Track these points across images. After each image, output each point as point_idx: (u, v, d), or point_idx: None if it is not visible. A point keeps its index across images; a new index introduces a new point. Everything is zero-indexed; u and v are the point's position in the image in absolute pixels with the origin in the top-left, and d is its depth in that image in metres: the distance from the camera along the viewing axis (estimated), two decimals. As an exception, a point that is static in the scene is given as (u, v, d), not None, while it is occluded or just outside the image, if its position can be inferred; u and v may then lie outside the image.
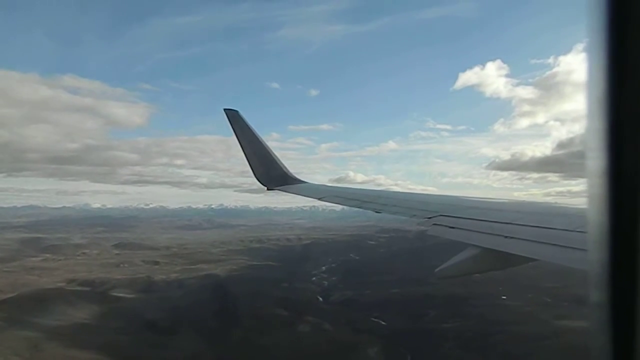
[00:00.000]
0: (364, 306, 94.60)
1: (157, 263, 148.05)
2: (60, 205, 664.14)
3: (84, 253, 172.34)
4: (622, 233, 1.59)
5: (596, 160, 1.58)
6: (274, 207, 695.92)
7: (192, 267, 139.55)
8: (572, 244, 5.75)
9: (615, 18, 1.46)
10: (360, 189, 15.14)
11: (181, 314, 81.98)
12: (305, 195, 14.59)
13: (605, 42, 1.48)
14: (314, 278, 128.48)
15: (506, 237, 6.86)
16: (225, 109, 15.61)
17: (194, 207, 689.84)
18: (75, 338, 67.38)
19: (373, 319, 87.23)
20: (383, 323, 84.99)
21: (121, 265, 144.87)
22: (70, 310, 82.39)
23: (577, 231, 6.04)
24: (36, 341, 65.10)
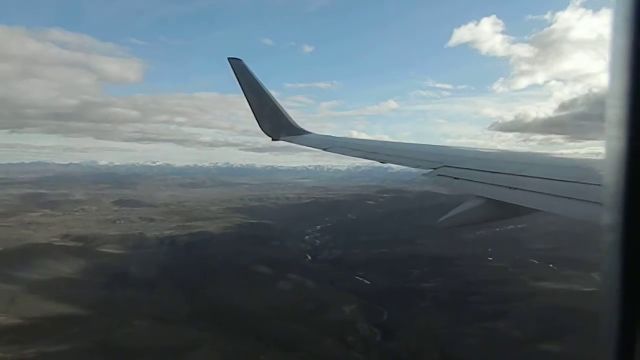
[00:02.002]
0: (350, 265, 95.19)
1: (152, 220, 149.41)
2: (67, 162, 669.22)
3: (83, 209, 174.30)
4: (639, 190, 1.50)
5: (617, 110, 1.50)
6: (280, 167, 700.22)
7: (187, 224, 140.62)
8: (578, 195, 5.63)
9: None
10: (367, 140, 15.56)
11: (165, 271, 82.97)
12: (311, 146, 14.25)
13: None
14: (307, 237, 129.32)
15: (511, 188, 6.75)
16: (229, 59, 15.08)
17: (200, 165, 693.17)
18: (54, 292, 68.47)
19: (358, 278, 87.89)
20: (367, 282, 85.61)
21: (117, 222, 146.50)
22: (55, 265, 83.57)
23: (584, 183, 5.90)
24: (15, 294, 66.14)
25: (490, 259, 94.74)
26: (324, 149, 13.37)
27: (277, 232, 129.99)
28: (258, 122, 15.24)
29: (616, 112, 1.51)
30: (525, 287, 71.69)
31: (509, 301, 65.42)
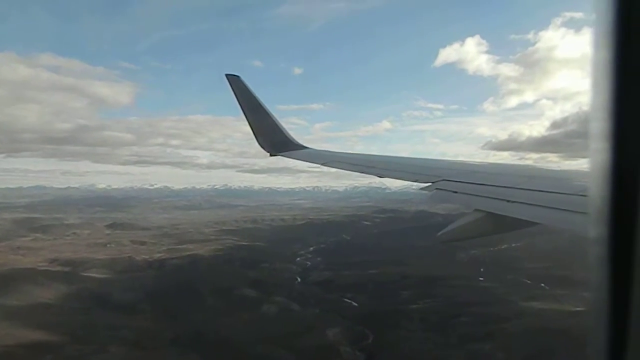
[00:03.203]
0: (339, 287, 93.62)
1: (144, 243, 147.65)
2: (65, 186, 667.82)
3: (74, 233, 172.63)
4: (624, 202, 1.50)
5: (599, 125, 1.50)
6: (278, 188, 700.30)
7: (178, 247, 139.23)
8: (574, 207, 5.70)
9: None
10: (364, 154, 15.13)
11: (148, 295, 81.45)
12: (308, 161, 14.35)
13: (611, 12, 1.41)
14: (298, 259, 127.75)
15: (510, 201, 6.83)
16: (227, 75, 15.40)
17: (197, 187, 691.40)
18: (30, 318, 66.74)
19: (346, 300, 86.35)
20: (354, 304, 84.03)
21: (108, 245, 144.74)
22: (36, 290, 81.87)
23: (580, 195, 5.97)
24: (-11, 321, 64.68)
25: (482, 278, 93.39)
26: (322, 163, 13.39)
27: (268, 254, 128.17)
28: (256, 137, 15.32)
29: (599, 125, 1.50)
30: (514, 307, 70.31)
31: (497, 322, 63.98)
